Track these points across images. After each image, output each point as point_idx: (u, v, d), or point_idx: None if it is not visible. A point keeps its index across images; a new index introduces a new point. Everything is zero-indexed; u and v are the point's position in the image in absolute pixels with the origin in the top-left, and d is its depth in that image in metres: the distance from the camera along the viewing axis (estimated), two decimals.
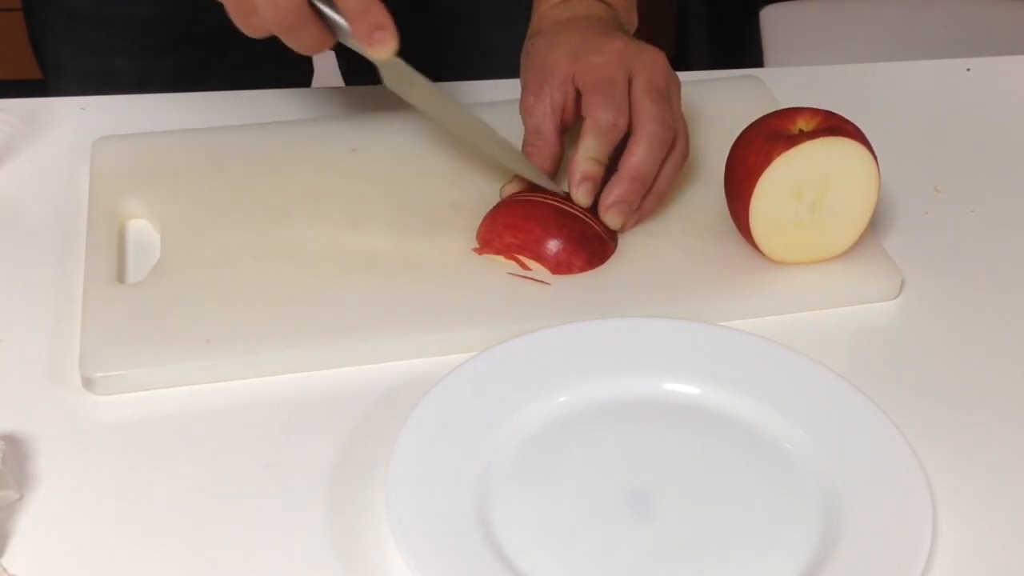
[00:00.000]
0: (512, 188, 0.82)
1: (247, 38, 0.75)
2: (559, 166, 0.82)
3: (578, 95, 0.82)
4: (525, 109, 0.83)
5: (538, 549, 0.63)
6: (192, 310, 0.75)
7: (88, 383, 0.71)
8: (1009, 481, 0.69)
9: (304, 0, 0.72)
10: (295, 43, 0.74)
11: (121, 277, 0.78)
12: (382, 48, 0.74)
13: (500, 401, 0.69)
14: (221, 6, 0.74)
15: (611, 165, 0.80)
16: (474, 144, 0.84)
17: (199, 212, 0.82)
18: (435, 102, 0.81)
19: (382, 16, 0.73)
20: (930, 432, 0.70)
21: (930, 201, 0.88)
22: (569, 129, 0.83)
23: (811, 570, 0.62)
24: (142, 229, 0.83)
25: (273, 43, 0.76)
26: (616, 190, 0.79)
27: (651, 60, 0.81)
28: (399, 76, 0.78)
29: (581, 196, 0.80)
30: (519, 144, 0.83)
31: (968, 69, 1.03)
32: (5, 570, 0.62)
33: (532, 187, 0.82)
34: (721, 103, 0.92)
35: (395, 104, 0.82)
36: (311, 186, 0.85)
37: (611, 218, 0.80)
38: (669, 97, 0.81)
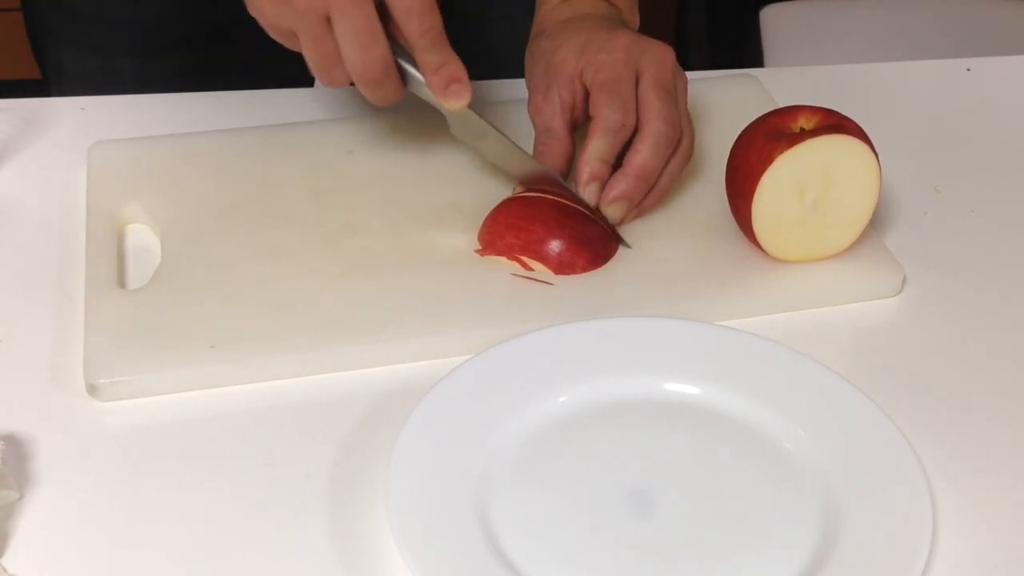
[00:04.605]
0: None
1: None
2: (571, 164, 0.82)
3: (586, 93, 0.82)
4: (534, 109, 0.83)
5: (538, 549, 0.63)
6: (194, 315, 0.74)
7: (92, 389, 0.71)
8: (1009, 481, 0.69)
9: (392, 56, 0.74)
10: (374, 95, 0.76)
11: (122, 283, 0.78)
12: (456, 100, 0.76)
13: (500, 401, 0.69)
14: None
15: (616, 161, 0.80)
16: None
17: (198, 216, 0.82)
18: (504, 152, 0.81)
19: (458, 70, 0.76)
20: (930, 432, 0.70)
21: (930, 201, 0.88)
22: (578, 128, 0.83)
23: (811, 570, 0.62)
24: (141, 233, 0.82)
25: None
26: (620, 185, 0.79)
27: (658, 57, 0.81)
28: (469, 127, 0.79)
29: (589, 196, 0.80)
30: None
31: (968, 69, 1.03)
32: (5, 570, 0.61)
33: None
34: (717, 102, 0.92)
35: (395, 105, 0.82)
36: (311, 188, 0.84)
37: (612, 212, 0.80)
38: (676, 94, 0.81)
